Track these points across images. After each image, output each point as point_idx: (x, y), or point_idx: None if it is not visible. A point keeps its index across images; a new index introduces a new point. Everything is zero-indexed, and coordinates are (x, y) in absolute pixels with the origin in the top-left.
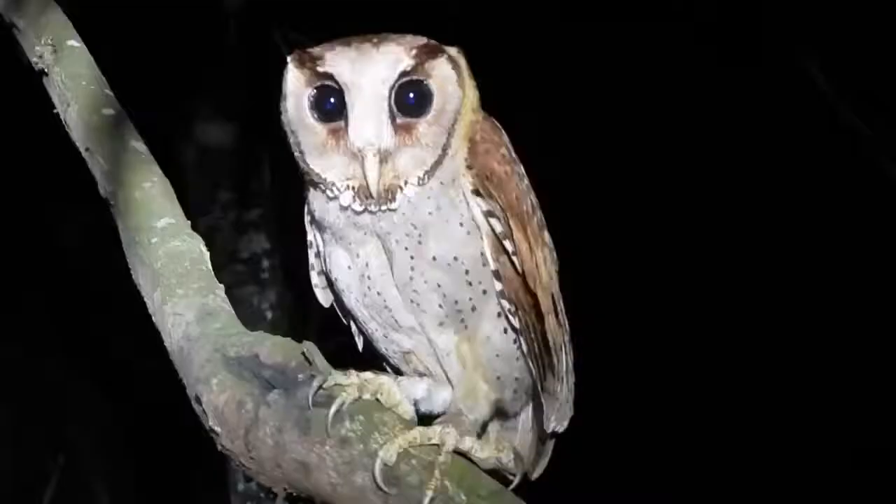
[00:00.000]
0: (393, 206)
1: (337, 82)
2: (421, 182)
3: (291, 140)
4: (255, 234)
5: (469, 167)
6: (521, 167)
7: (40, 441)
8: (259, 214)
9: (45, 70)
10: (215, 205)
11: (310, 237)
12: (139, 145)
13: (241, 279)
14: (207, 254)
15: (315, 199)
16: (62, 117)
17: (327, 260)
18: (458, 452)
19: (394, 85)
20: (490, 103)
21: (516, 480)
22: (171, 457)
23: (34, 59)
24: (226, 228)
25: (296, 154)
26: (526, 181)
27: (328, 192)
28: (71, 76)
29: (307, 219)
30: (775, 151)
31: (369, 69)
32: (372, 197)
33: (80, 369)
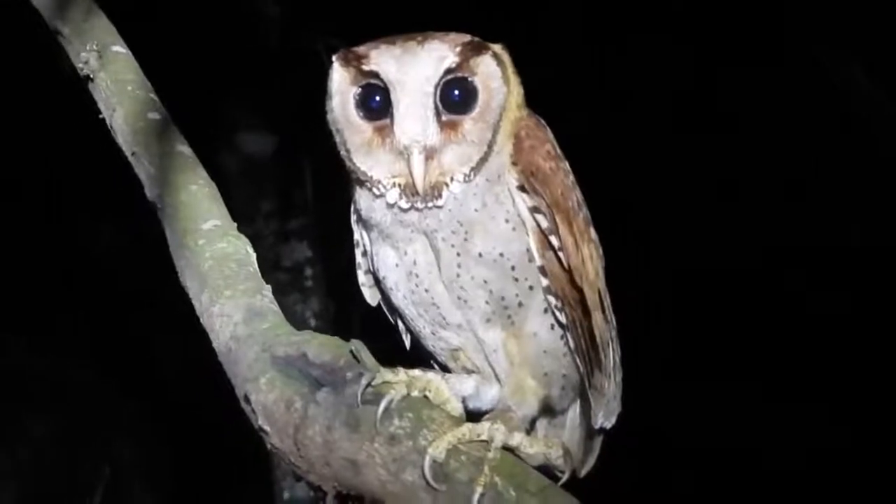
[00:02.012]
0: (439, 203)
1: (382, 80)
2: (466, 179)
3: (337, 139)
4: (298, 242)
5: (514, 163)
6: (567, 163)
7: (84, 452)
8: (301, 223)
9: (91, 76)
10: (258, 214)
11: (356, 236)
12: (185, 148)
13: (284, 288)
14: (254, 255)
15: (361, 197)
16: (108, 122)
17: (374, 258)
18: (507, 448)
19: (439, 82)
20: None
21: (565, 476)
22: (215, 464)
23: (79, 65)
24: (268, 237)
25: (342, 153)
26: (571, 177)
27: (374, 190)
28: (116, 81)
29: (353, 218)
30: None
31: (414, 67)
32: (418, 194)
33: (119, 378)
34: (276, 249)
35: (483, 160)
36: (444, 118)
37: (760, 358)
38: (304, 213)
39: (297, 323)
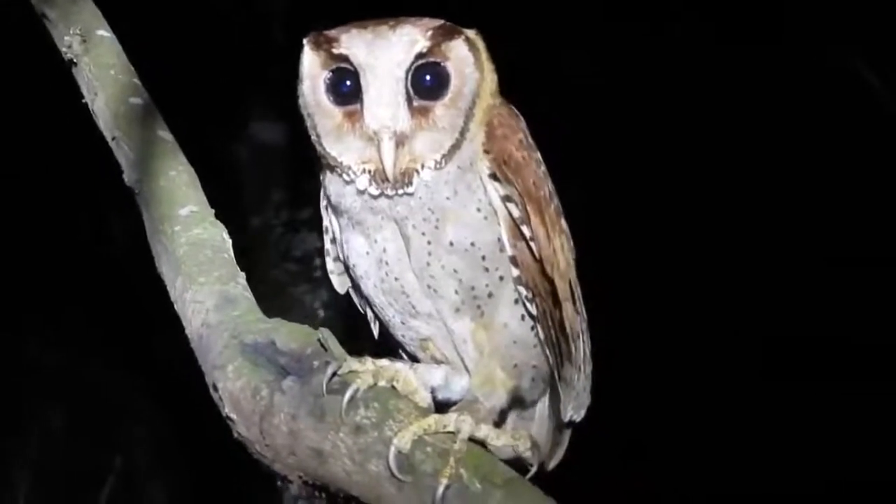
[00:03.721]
0: (409, 190)
1: (352, 64)
2: (438, 166)
3: (308, 124)
4: (308, 232)
5: (486, 151)
6: (539, 153)
7: (96, 444)
8: (311, 213)
9: (74, 60)
10: (268, 204)
11: (326, 223)
12: (165, 134)
13: (294, 278)
14: (230, 241)
15: (331, 183)
16: (90, 107)
17: (344, 246)
18: (474, 440)
19: (410, 67)
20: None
21: (532, 469)
22: (225, 456)
23: (63, 49)
24: (278, 227)
25: (312, 138)
26: (543, 167)
27: (344, 176)
28: (99, 66)
29: (323, 204)
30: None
31: (385, 51)
32: (388, 181)
33: (132, 371)
34: (286, 239)
35: (455, 147)
36: (415, 104)
37: (742, 351)
38: (315, 203)
39: (306, 313)
